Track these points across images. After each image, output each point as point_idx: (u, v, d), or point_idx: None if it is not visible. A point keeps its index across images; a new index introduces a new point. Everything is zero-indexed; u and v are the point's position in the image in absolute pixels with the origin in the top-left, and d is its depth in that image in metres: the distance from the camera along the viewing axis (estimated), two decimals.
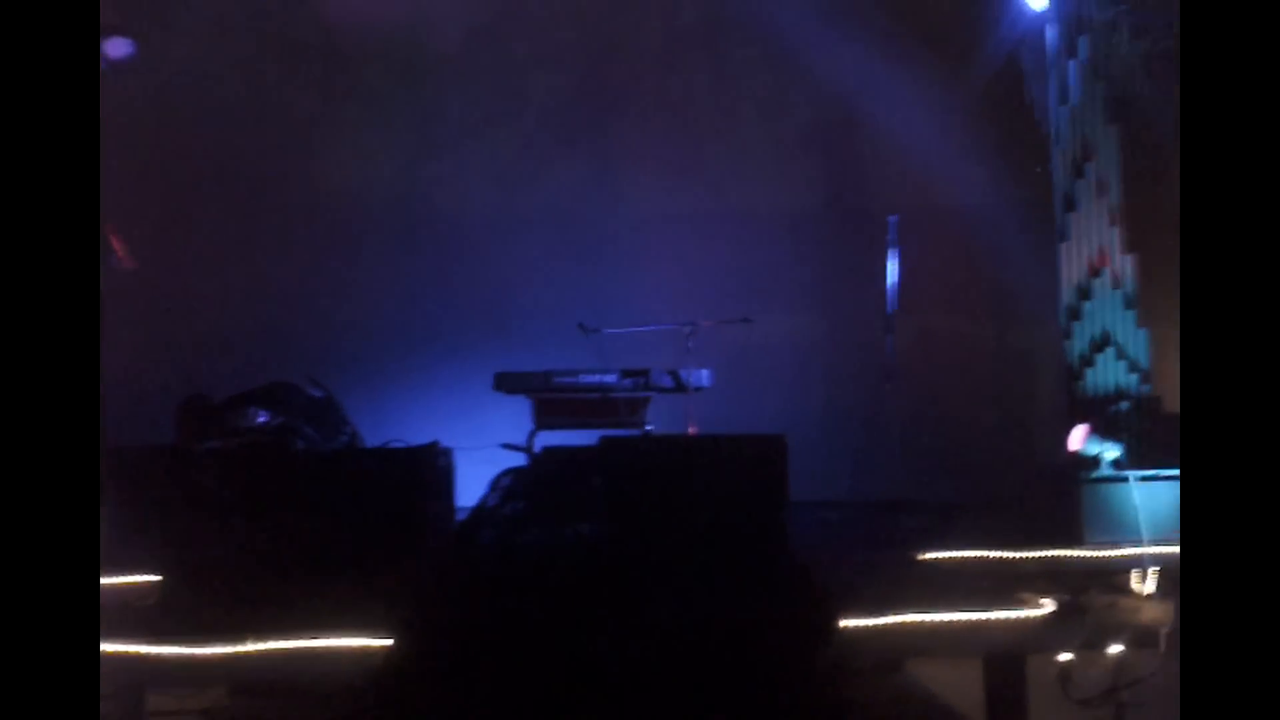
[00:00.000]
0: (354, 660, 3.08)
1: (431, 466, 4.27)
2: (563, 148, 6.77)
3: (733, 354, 5.89)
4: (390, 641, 3.09)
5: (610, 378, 5.27)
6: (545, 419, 5.29)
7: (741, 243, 6.58)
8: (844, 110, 6.85)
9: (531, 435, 5.25)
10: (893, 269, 5.70)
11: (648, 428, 5.26)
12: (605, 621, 3.10)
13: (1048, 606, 3.56)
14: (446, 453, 4.49)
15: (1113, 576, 5.22)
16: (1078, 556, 4.77)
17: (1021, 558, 4.66)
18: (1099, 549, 4.77)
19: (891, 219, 5.83)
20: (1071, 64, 5.84)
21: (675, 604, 3.27)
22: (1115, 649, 3.52)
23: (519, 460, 4.87)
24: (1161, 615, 4.91)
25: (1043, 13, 5.97)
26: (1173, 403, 5.88)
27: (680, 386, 5.26)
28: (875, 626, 3.35)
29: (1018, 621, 3.52)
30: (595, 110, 6.82)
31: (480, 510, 4.29)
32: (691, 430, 5.25)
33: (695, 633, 3.06)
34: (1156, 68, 6.10)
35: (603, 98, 6.84)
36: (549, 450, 4.65)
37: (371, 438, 4.89)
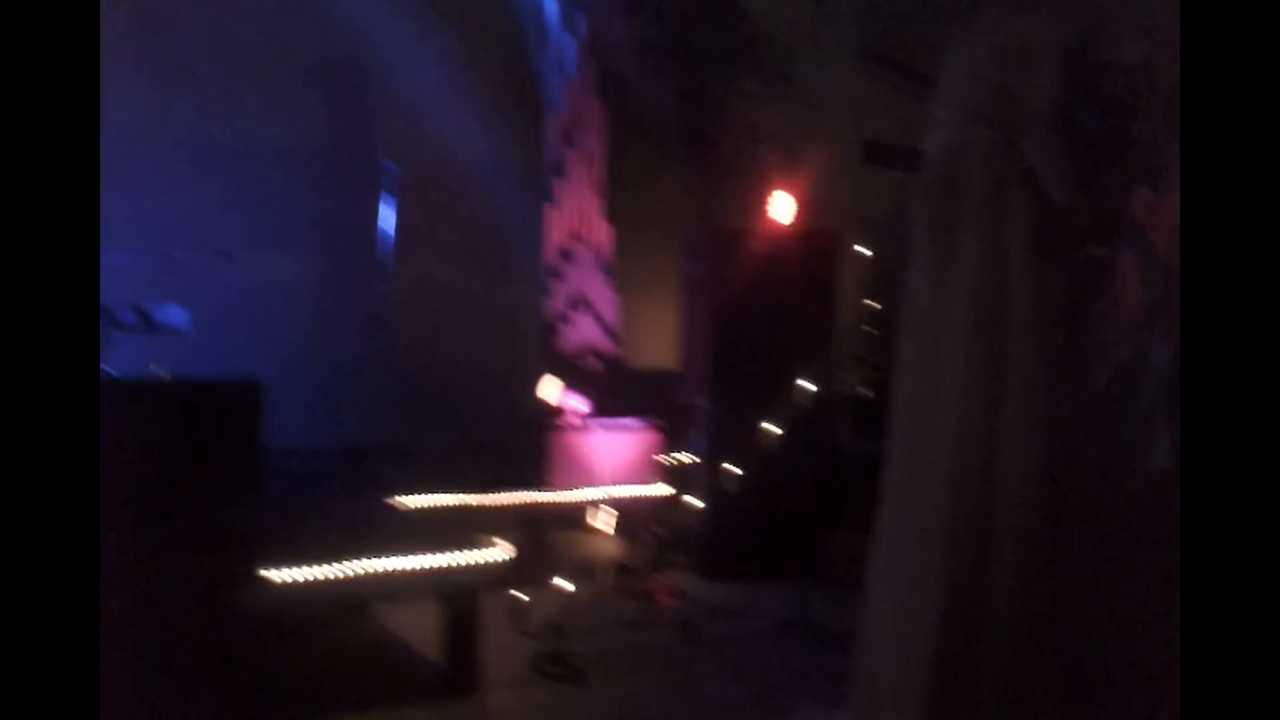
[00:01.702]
0: None
1: None
2: None
3: (218, 294, 5.55)
4: None
5: None
6: None
7: (234, 176, 6.18)
8: (353, 53, 6.68)
9: None
10: (391, 216, 5.72)
11: (106, 370, 4.79)
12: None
13: (506, 547, 3.79)
14: None
15: (574, 516, 5.75)
16: (544, 500, 5.17)
17: (490, 502, 4.95)
18: (563, 493, 5.21)
19: (391, 165, 5.84)
20: (568, 38, 6.21)
21: (122, 557, 3.06)
22: (562, 583, 3.84)
23: None
24: (614, 550, 5.50)
25: None
26: (635, 360, 6.57)
27: (149, 325, 4.84)
28: (339, 574, 3.37)
29: (475, 563, 3.71)
30: None
31: None
32: (161, 374, 4.88)
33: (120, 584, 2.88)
34: (646, 52, 6.68)
35: None
36: None
37: None
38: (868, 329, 8.29)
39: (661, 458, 5.56)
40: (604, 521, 5.53)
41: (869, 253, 8.01)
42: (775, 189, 5.69)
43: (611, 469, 5.25)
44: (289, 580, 3.29)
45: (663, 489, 5.40)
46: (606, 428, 5.31)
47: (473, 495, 4.85)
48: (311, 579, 3.32)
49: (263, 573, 3.23)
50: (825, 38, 6.95)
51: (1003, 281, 2.45)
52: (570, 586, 3.89)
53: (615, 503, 5.35)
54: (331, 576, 3.35)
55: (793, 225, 5.48)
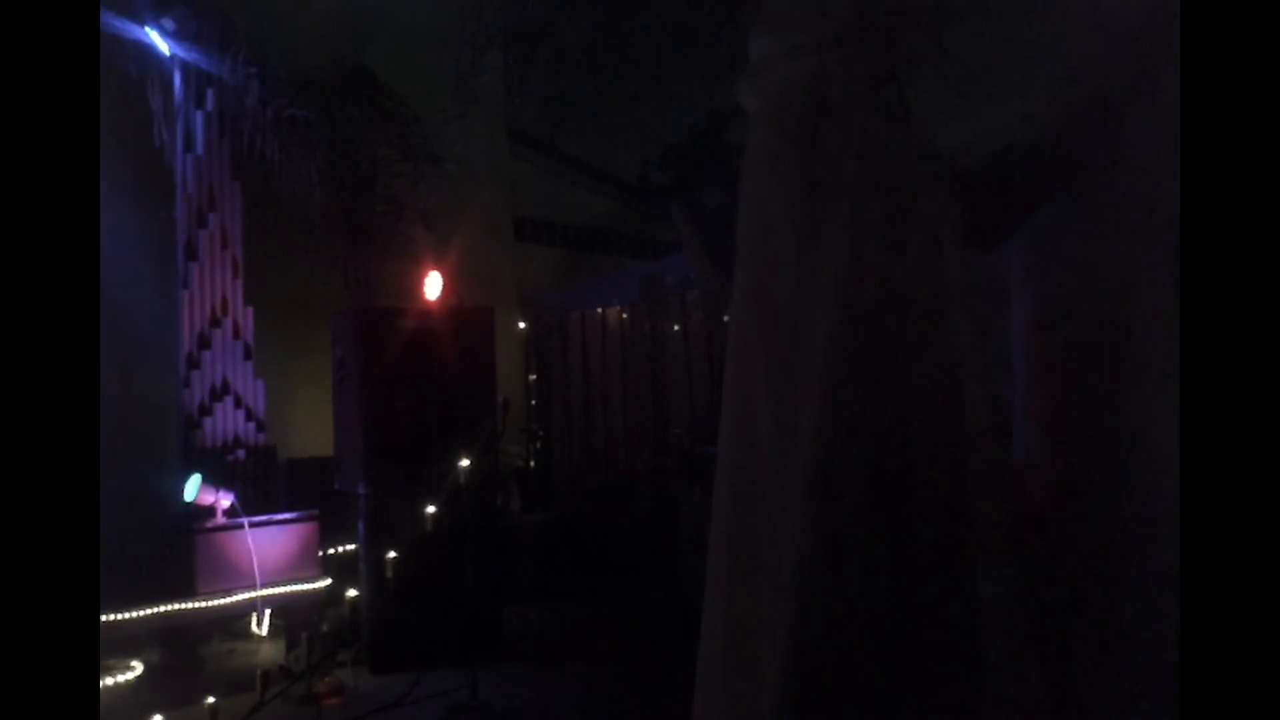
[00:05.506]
0: None
1: None
2: None
3: None
4: None
5: None
6: None
7: None
8: None
9: None
10: None
11: None
12: None
13: (138, 668, 3.45)
14: None
15: (229, 623, 5.32)
16: (191, 608, 4.74)
17: (129, 618, 4.47)
18: (214, 598, 4.81)
19: None
20: (199, 114, 5.90)
21: None
22: (210, 699, 3.52)
23: None
24: (274, 654, 5.13)
25: (171, 58, 5.93)
26: (289, 449, 6.24)
27: None
28: None
29: (106, 688, 3.34)
30: None
31: None
32: None
33: None
34: (286, 130, 6.46)
35: None
36: None
37: None
38: (530, 401, 8.42)
39: (321, 550, 5.29)
40: (263, 625, 5.16)
41: (525, 326, 8.17)
42: (428, 267, 5.67)
43: (268, 567, 4.92)
44: None
45: (324, 583, 5.14)
46: (259, 524, 4.98)
47: (110, 614, 4.36)
48: None
49: None
50: (472, 119, 7.07)
51: (899, 246, 1.91)
52: (217, 700, 3.57)
53: (273, 603, 5.02)
54: None
55: (446, 303, 5.47)
